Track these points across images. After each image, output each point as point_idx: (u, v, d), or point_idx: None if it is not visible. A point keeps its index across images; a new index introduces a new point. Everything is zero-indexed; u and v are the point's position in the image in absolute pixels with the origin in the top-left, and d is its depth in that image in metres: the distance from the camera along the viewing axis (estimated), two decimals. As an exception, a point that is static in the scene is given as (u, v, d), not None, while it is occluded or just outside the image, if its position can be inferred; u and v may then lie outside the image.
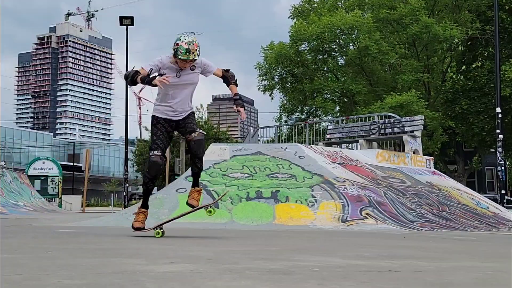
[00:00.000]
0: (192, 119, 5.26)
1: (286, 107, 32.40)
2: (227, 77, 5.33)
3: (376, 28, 27.58)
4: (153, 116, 5.26)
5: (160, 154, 5.12)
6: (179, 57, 4.91)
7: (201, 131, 5.25)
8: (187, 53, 4.90)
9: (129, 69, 5.11)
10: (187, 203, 5.31)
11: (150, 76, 4.96)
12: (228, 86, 5.35)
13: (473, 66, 30.11)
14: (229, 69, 5.42)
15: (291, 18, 32.83)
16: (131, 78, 4.98)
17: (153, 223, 8.21)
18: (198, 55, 4.99)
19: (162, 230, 5.25)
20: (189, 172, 10.01)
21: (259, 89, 32.22)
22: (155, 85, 4.88)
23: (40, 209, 22.28)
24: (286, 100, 32.40)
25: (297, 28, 28.73)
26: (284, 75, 31.54)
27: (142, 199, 5.42)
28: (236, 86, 5.34)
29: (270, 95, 32.35)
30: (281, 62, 30.08)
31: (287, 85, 31.29)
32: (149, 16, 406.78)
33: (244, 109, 5.19)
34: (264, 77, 31.69)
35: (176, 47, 4.93)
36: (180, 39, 4.93)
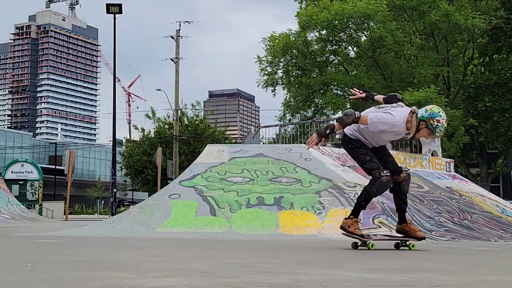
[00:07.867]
0: (389, 152, 5.57)
1: (291, 104, 32.24)
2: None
3: (391, 17, 27.51)
4: (356, 140, 5.40)
5: (389, 174, 5.31)
6: (436, 134, 5.13)
7: (407, 168, 5.56)
8: (443, 131, 5.16)
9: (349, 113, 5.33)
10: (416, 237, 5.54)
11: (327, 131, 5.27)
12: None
13: (497, 59, 30.06)
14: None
15: (299, 2, 32.64)
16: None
17: (146, 233, 8.24)
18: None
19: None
20: (182, 176, 10.03)
21: (258, 85, 31.92)
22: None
23: (18, 217, 22.29)
24: (290, 95, 32.25)
25: (308, 13, 28.57)
26: (289, 68, 31.36)
27: (355, 210, 5.56)
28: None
29: (273, 91, 32.21)
30: (288, 53, 29.91)
31: (291, 79, 31.13)
32: (138, 2, 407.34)
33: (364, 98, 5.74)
34: (266, 71, 31.51)
35: (436, 123, 5.05)
36: (440, 115, 5.07)
